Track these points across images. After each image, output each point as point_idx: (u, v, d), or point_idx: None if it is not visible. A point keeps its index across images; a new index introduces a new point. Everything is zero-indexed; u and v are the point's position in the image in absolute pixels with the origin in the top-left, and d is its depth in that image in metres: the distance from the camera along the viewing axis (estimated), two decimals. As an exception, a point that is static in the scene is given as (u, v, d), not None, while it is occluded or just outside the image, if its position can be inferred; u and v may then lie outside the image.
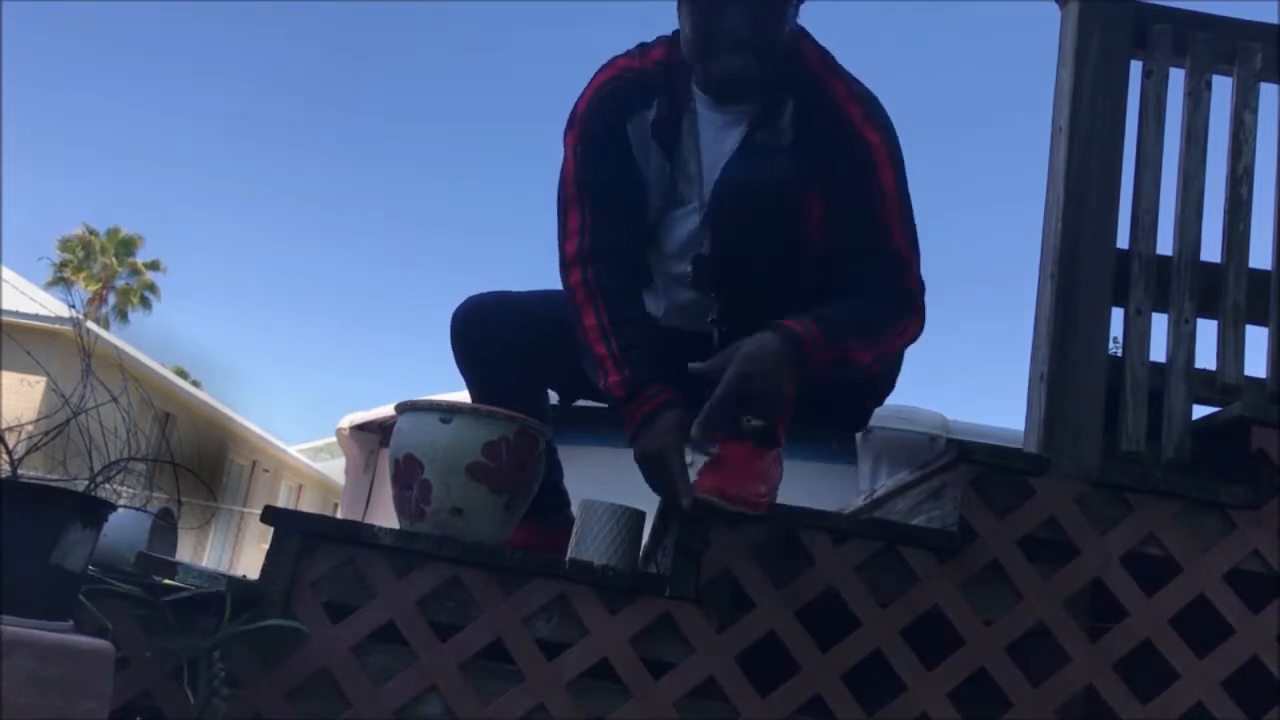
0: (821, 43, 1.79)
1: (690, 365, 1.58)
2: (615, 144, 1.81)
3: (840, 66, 1.77)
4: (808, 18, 1.81)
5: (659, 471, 1.64)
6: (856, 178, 1.69)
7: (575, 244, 1.80)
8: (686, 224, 1.81)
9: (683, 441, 1.63)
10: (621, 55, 1.85)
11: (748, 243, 1.67)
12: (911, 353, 1.90)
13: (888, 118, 1.75)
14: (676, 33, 1.80)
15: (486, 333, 1.94)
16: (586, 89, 1.85)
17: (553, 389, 2.05)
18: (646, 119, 1.80)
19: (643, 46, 1.85)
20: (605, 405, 1.84)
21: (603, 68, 1.85)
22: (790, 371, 1.54)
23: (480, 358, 1.95)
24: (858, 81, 1.76)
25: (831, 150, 1.70)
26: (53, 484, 1.30)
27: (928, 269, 1.75)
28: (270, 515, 1.62)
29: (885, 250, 1.70)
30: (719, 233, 1.73)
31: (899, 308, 1.71)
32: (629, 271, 1.83)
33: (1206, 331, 1.88)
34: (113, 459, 1.39)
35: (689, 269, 1.80)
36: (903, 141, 1.75)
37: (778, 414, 1.58)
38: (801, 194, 1.68)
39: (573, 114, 1.85)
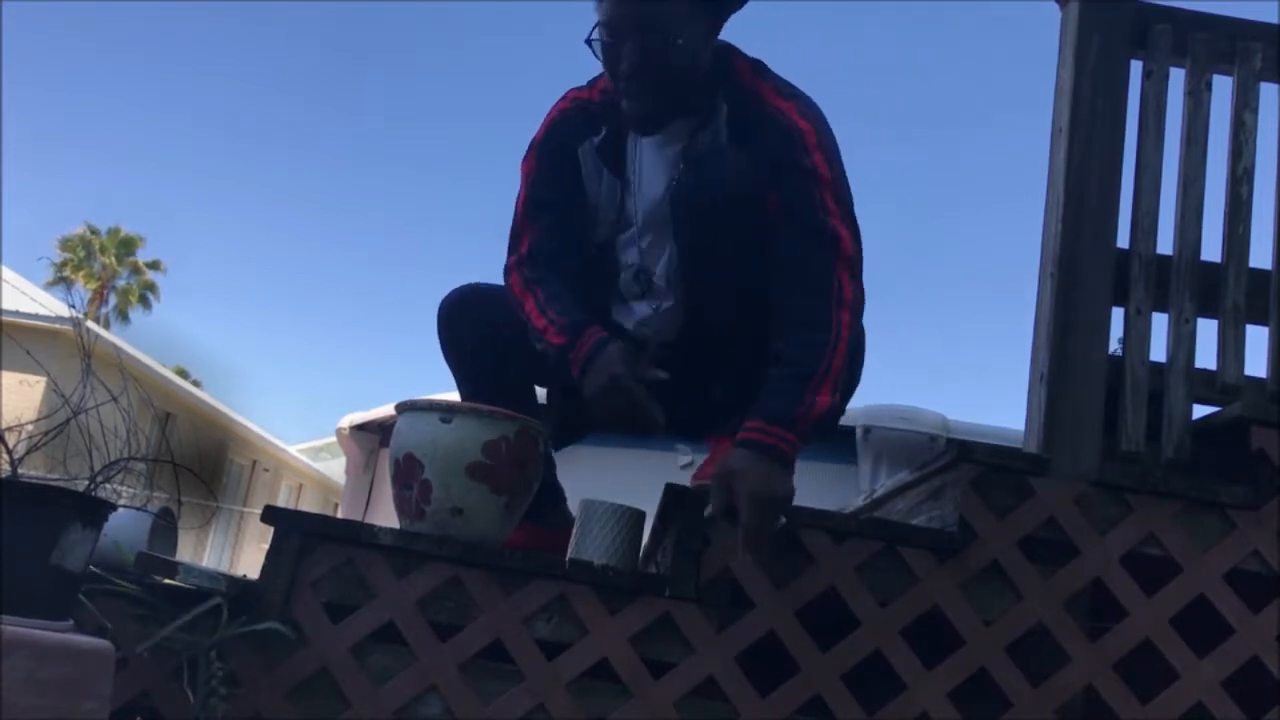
0: (754, 53, 1.85)
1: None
2: (566, 168, 1.89)
3: (772, 74, 1.82)
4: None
5: (615, 398, 1.65)
6: (790, 161, 1.71)
7: (515, 256, 1.88)
8: (634, 242, 1.88)
9: (631, 370, 1.66)
10: (574, 88, 1.95)
11: (706, 249, 1.72)
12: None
13: (820, 113, 1.78)
14: None
15: (472, 317, 1.94)
16: (543, 120, 1.95)
17: (536, 381, 2.05)
18: (594, 144, 1.88)
19: (594, 79, 1.92)
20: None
21: (558, 100, 1.95)
22: (779, 470, 1.55)
23: (465, 347, 1.95)
24: (788, 84, 1.81)
25: (766, 142, 1.74)
26: (53, 484, 1.30)
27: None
28: (270, 515, 1.62)
29: (820, 225, 1.69)
30: (680, 243, 1.79)
31: (828, 305, 1.66)
32: (565, 270, 1.87)
33: (1206, 331, 1.88)
34: (113, 459, 1.39)
35: (635, 285, 1.88)
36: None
37: (788, 505, 1.59)
38: (753, 190, 1.71)
39: (530, 144, 1.95)
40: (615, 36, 1.72)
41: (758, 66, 1.82)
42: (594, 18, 1.75)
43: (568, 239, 1.89)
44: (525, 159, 1.94)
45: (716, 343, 1.83)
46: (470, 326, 1.93)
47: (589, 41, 1.76)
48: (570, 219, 1.89)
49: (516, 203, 1.93)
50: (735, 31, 1.85)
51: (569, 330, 1.73)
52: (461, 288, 1.98)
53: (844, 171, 1.75)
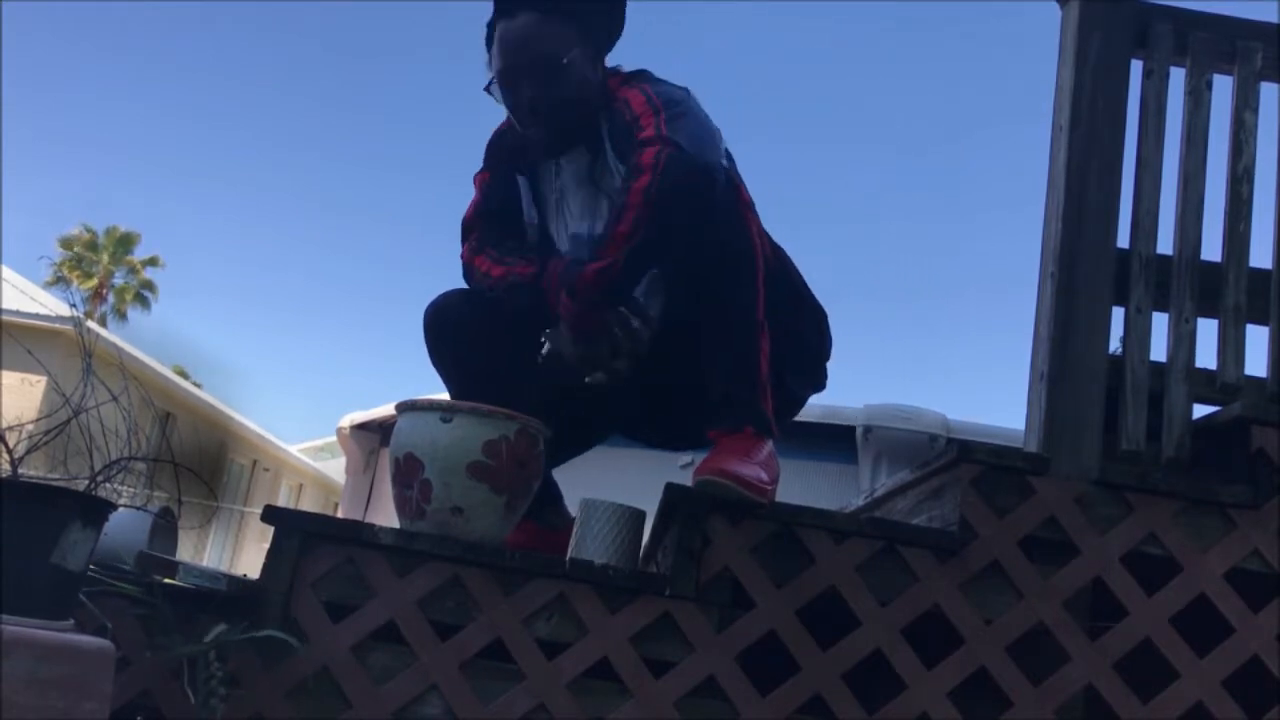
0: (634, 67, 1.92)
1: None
2: (508, 186, 1.98)
3: (640, 77, 1.87)
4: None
5: (605, 320, 1.71)
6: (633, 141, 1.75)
7: (466, 245, 1.99)
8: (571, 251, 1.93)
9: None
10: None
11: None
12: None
13: (668, 89, 1.82)
14: None
15: (455, 320, 1.95)
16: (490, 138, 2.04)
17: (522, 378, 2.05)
18: (522, 170, 1.96)
19: None
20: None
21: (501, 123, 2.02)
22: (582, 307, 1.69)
23: (449, 350, 1.95)
24: (648, 80, 1.86)
25: (626, 143, 1.78)
26: (53, 484, 1.30)
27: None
28: (270, 515, 1.62)
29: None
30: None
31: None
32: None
33: (1207, 331, 1.88)
34: (113, 458, 1.38)
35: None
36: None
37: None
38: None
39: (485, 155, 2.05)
40: (512, 80, 1.81)
41: (629, 76, 1.88)
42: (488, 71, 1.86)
43: (511, 238, 1.97)
44: (478, 174, 2.04)
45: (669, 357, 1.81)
46: (453, 330, 1.94)
47: (487, 89, 1.86)
48: (514, 227, 1.97)
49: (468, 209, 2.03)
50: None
51: (535, 263, 1.83)
52: (442, 294, 1.99)
53: (665, 93, 1.79)
